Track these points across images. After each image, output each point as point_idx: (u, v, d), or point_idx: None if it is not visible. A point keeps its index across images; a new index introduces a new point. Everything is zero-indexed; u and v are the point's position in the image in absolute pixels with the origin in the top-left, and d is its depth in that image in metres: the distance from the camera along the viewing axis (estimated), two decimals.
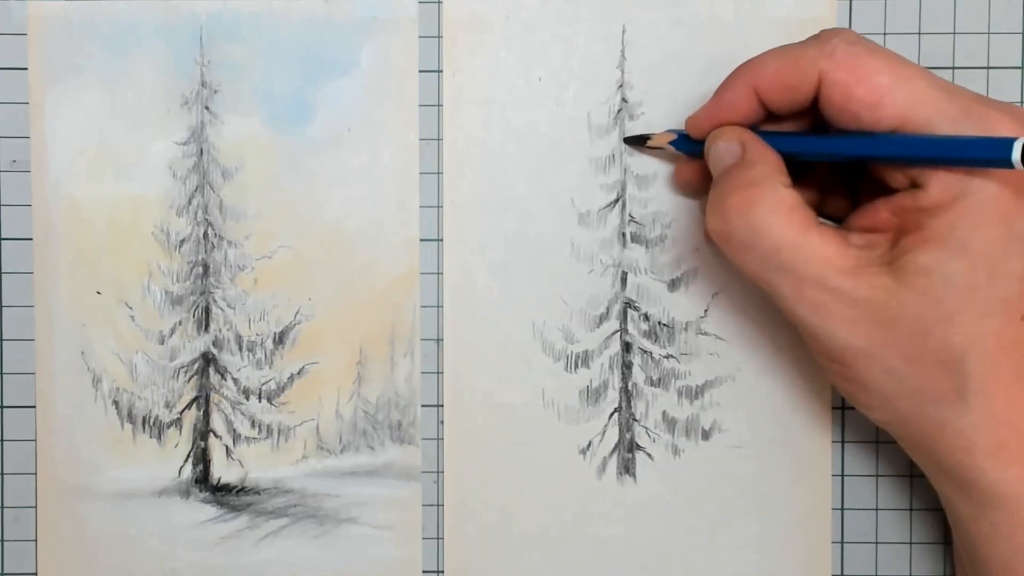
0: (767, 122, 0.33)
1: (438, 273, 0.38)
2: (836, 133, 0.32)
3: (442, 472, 0.38)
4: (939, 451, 0.30)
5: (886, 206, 0.31)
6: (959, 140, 0.29)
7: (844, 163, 0.34)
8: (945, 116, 0.29)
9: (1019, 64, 0.38)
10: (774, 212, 0.30)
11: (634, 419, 0.38)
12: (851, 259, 0.29)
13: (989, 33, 0.38)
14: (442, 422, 0.38)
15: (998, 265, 0.29)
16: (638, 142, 0.37)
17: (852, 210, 0.33)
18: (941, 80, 0.30)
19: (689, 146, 0.35)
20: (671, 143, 0.36)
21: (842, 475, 0.38)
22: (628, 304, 0.38)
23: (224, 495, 0.38)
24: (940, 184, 0.29)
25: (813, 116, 0.33)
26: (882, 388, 0.30)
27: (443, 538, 0.38)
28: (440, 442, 0.38)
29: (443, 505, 0.38)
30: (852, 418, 0.38)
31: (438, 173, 0.38)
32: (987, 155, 0.28)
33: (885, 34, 0.37)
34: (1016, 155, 0.27)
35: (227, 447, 0.38)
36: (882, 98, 0.29)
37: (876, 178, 0.32)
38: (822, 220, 0.31)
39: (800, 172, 0.33)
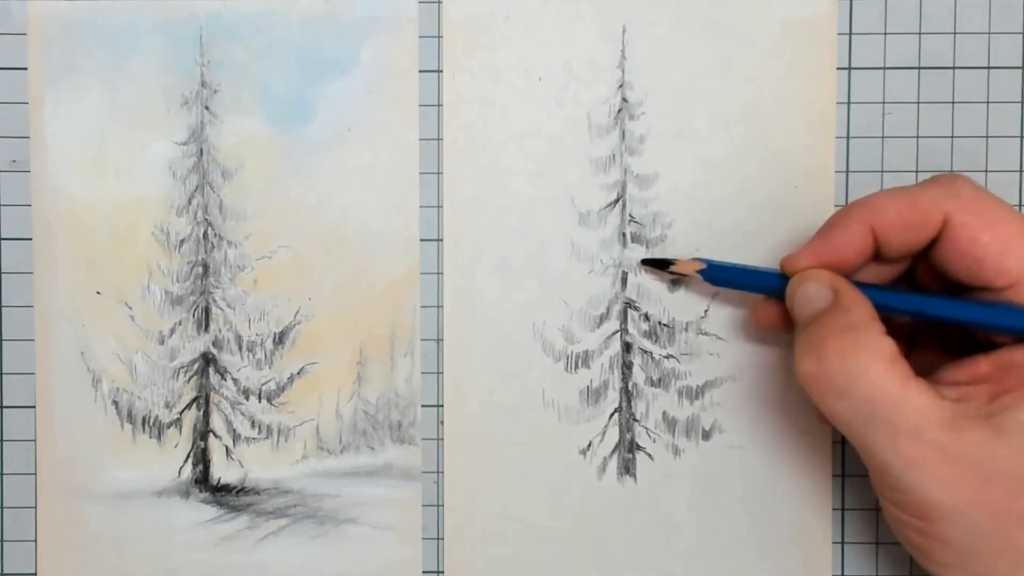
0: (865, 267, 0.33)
1: (438, 273, 0.38)
2: (931, 291, 0.32)
3: (442, 472, 0.38)
4: None
5: (987, 360, 0.31)
6: None
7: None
8: None
9: (1019, 64, 0.38)
10: (874, 360, 0.29)
11: (634, 419, 0.38)
12: (948, 412, 0.29)
13: (989, 33, 0.38)
14: (442, 422, 0.38)
15: None
16: (658, 266, 0.37)
17: (941, 363, 0.32)
18: None
19: (719, 276, 0.35)
20: (700, 272, 0.35)
21: (842, 475, 0.38)
22: (628, 304, 0.38)
23: (224, 495, 0.38)
24: None
25: (904, 266, 0.33)
26: (963, 546, 0.29)
27: (443, 538, 0.38)
28: (440, 442, 0.38)
29: (443, 505, 0.38)
30: None
31: (438, 173, 0.38)
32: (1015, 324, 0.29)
33: (885, 34, 0.37)
34: None
35: (227, 447, 0.38)
36: (1009, 247, 0.29)
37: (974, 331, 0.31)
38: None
39: (887, 320, 0.32)
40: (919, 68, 0.38)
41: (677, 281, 0.38)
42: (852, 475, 0.38)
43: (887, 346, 0.29)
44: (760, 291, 0.35)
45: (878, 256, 0.32)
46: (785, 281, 0.33)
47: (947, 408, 0.29)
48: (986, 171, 0.38)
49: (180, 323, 0.38)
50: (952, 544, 0.29)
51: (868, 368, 0.29)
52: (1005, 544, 0.29)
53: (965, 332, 0.32)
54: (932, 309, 0.31)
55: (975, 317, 0.30)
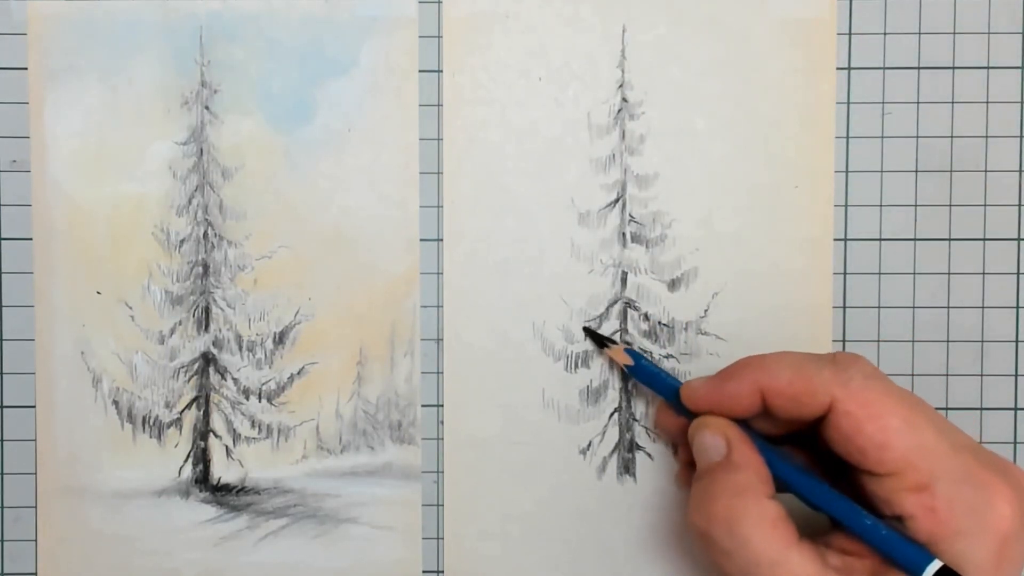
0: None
1: (438, 273, 0.38)
2: (824, 453, 0.32)
3: (442, 472, 0.38)
4: None
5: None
6: (898, 541, 0.30)
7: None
8: (948, 474, 0.29)
9: (1019, 64, 0.38)
10: (757, 526, 0.30)
11: (634, 419, 0.38)
12: None
13: (989, 33, 0.38)
14: (442, 422, 0.38)
15: None
16: (596, 340, 0.37)
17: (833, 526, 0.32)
18: (950, 429, 0.30)
19: (642, 375, 0.36)
20: (626, 367, 0.36)
21: None
22: (628, 304, 0.38)
23: (224, 495, 0.38)
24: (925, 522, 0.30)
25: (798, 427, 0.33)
26: None
27: (443, 538, 0.38)
28: (440, 442, 0.38)
29: (443, 505, 0.38)
30: None
31: (438, 173, 0.38)
32: (909, 563, 0.29)
33: (885, 34, 0.37)
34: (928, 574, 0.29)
35: (227, 447, 0.38)
36: (889, 439, 0.30)
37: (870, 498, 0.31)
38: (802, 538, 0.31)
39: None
40: (919, 68, 0.38)
41: (676, 282, 0.38)
42: None
43: (772, 510, 0.30)
44: (669, 401, 0.35)
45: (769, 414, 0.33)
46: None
47: (830, 574, 0.30)
48: (986, 171, 0.38)
49: (180, 323, 0.38)
50: None
51: (752, 533, 0.30)
52: None
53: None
54: (811, 495, 0.32)
55: (850, 521, 0.31)
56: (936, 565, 0.29)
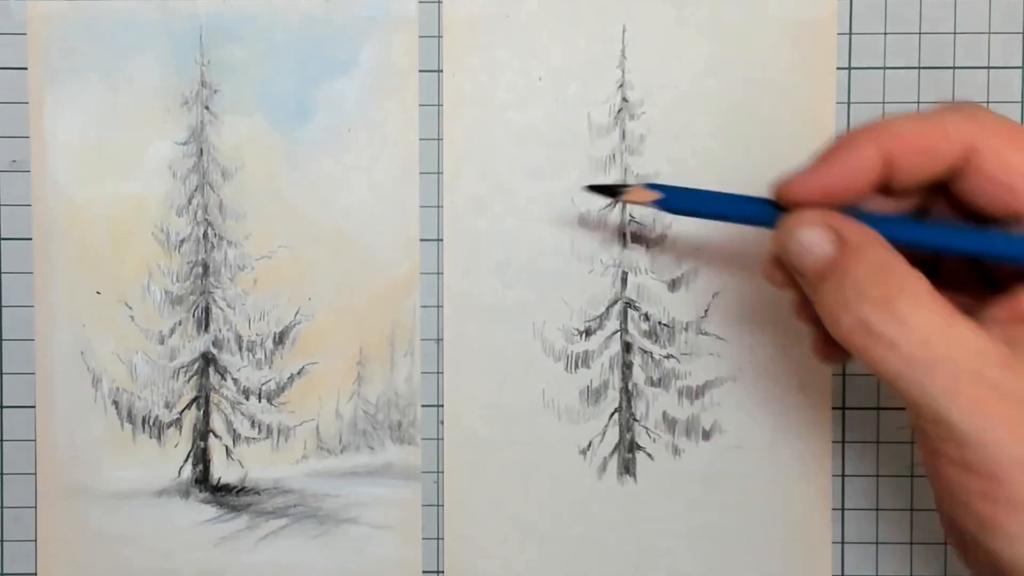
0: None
1: (438, 273, 0.38)
2: (943, 221, 0.28)
3: (442, 472, 0.38)
4: None
5: None
6: None
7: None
8: None
9: (1019, 64, 0.38)
10: (917, 300, 0.26)
11: (634, 419, 0.38)
12: (1004, 351, 0.26)
13: (989, 33, 0.38)
14: (442, 422, 0.38)
15: None
16: (606, 192, 0.33)
17: (968, 303, 0.28)
18: None
19: (681, 204, 0.31)
20: (656, 203, 0.31)
21: (842, 475, 0.38)
22: (628, 304, 0.38)
23: (224, 495, 0.38)
24: None
25: (913, 203, 0.30)
26: None
27: (443, 538, 0.38)
28: (440, 442, 0.38)
29: (443, 505, 0.38)
30: (852, 418, 0.38)
31: (438, 173, 0.38)
32: None
33: (885, 34, 0.37)
34: None
35: (227, 447, 0.38)
36: None
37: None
38: None
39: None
40: (919, 68, 0.38)
41: (676, 282, 0.38)
42: (852, 475, 0.38)
43: (922, 282, 0.26)
44: (733, 219, 0.30)
45: (886, 188, 0.29)
46: (766, 207, 0.29)
47: (1004, 347, 0.26)
48: None
49: (180, 323, 0.38)
50: None
51: (914, 310, 0.26)
52: None
53: (986, 269, 0.29)
54: (955, 242, 0.28)
55: (1009, 250, 0.27)
56: None
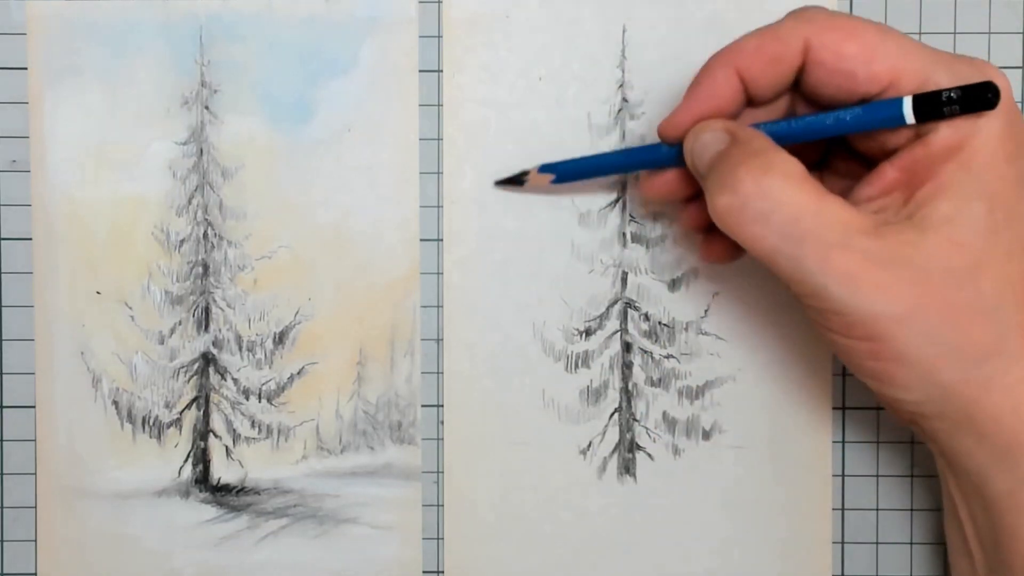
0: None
1: (438, 273, 0.38)
2: (810, 113, 0.31)
3: (442, 472, 0.38)
4: (981, 418, 0.29)
5: (892, 167, 0.30)
6: (869, 108, 0.29)
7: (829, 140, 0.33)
8: (940, 63, 0.29)
9: (1019, 64, 0.38)
10: (788, 179, 0.28)
11: (634, 419, 0.38)
12: (871, 220, 0.29)
13: (989, 33, 0.38)
14: (442, 422, 0.38)
15: (1014, 205, 0.29)
16: (512, 183, 0.37)
17: (846, 187, 0.32)
18: (922, 43, 0.30)
19: (572, 172, 0.35)
20: (554, 182, 0.36)
21: (842, 475, 0.38)
22: (628, 304, 0.38)
23: (224, 495, 0.38)
24: (950, 128, 0.29)
25: (781, 110, 0.33)
26: (921, 357, 0.28)
27: (443, 538, 0.38)
28: (440, 442, 0.38)
29: (443, 505, 0.38)
30: (852, 418, 0.38)
31: (438, 173, 0.38)
32: (887, 116, 0.29)
33: None
34: (907, 109, 0.28)
35: (227, 447, 0.38)
36: (874, 51, 0.29)
37: (869, 144, 0.31)
38: None
39: None
40: None
41: (676, 282, 0.38)
42: (852, 475, 0.38)
43: (796, 165, 0.29)
44: (635, 167, 0.35)
45: (751, 101, 0.32)
46: (661, 150, 0.33)
47: (869, 217, 0.29)
48: None
49: (180, 323, 0.38)
50: (908, 359, 0.29)
51: (784, 187, 0.28)
52: (961, 339, 0.28)
53: (861, 160, 0.32)
54: (820, 125, 0.30)
55: (860, 120, 0.30)
56: (908, 100, 0.28)
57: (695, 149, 0.31)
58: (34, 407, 0.38)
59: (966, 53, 0.37)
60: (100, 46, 0.37)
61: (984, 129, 0.29)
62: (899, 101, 0.29)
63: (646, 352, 0.38)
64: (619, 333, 0.38)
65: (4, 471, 0.38)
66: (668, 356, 0.38)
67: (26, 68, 0.38)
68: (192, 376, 0.38)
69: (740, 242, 0.30)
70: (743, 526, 0.38)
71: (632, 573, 0.38)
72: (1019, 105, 0.38)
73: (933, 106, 0.28)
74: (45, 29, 0.37)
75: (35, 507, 0.38)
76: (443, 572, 0.38)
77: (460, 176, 0.38)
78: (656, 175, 0.34)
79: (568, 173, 0.36)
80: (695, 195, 0.34)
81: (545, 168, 0.36)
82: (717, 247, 0.34)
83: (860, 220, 0.28)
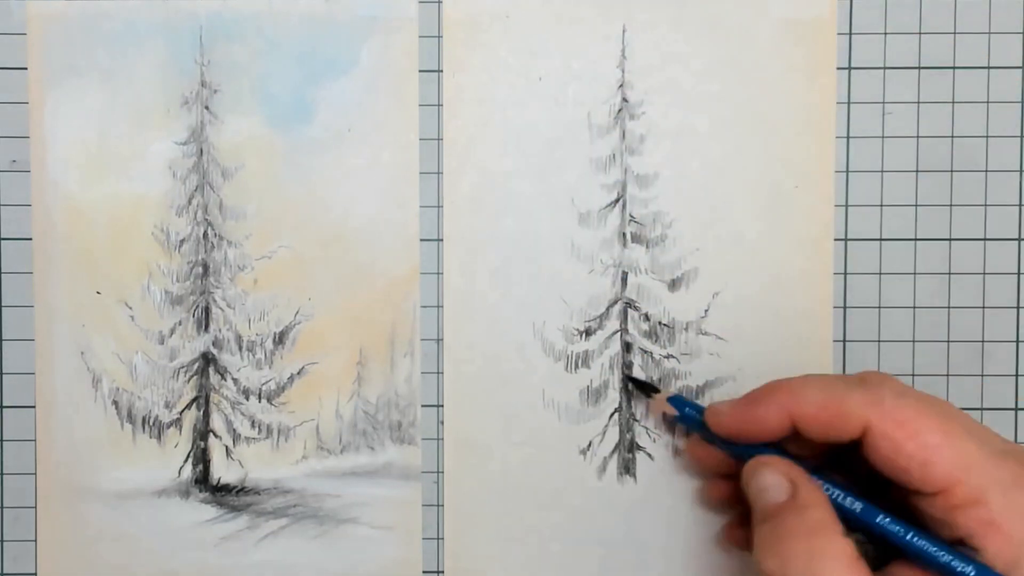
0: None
1: (438, 273, 0.38)
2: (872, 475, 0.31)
3: (442, 472, 0.38)
4: None
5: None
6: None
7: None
8: (998, 484, 0.29)
9: (1019, 64, 0.38)
10: (837, 565, 0.28)
11: (634, 419, 0.38)
12: None
13: (989, 33, 0.38)
14: (442, 422, 0.38)
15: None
16: (642, 388, 0.37)
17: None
18: (989, 436, 0.30)
19: (693, 425, 0.35)
20: (676, 418, 0.36)
21: None
22: (628, 304, 0.38)
23: (224, 495, 0.38)
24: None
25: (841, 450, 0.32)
26: None
27: (443, 538, 0.38)
28: (440, 442, 0.38)
29: (443, 505, 0.38)
30: None
31: (438, 173, 0.38)
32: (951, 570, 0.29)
33: (885, 34, 0.37)
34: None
35: (227, 447, 0.38)
36: (931, 456, 0.29)
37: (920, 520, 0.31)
38: None
39: None
40: (919, 68, 0.38)
41: (676, 282, 0.38)
42: None
43: (848, 550, 0.29)
44: (699, 432, 0.35)
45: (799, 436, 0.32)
46: (697, 418, 0.34)
47: None
48: (986, 171, 0.38)
49: (180, 323, 0.38)
50: None
51: (832, 573, 0.28)
52: None
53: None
54: (888, 534, 0.31)
55: (928, 555, 0.30)
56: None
57: (752, 485, 0.32)
58: (34, 407, 0.38)
59: (966, 53, 0.37)
60: (100, 46, 0.37)
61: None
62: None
63: (646, 352, 0.38)
64: (619, 333, 0.38)
65: (4, 471, 0.38)
66: (668, 356, 0.38)
67: (26, 68, 0.38)
68: (192, 376, 0.38)
69: None
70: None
71: (632, 573, 0.38)
72: (1019, 104, 0.38)
73: None
74: (45, 29, 0.37)
75: (35, 507, 0.38)
76: (443, 572, 0.38)
77: (460, 176, 0.38)
78: (707, 448, 0.36)
79: (688, 419, 0.36)
80: (734, 474, 0.34)
81: (673, 400, 0.36)
82: (742, 537, 0.36)
83: None
